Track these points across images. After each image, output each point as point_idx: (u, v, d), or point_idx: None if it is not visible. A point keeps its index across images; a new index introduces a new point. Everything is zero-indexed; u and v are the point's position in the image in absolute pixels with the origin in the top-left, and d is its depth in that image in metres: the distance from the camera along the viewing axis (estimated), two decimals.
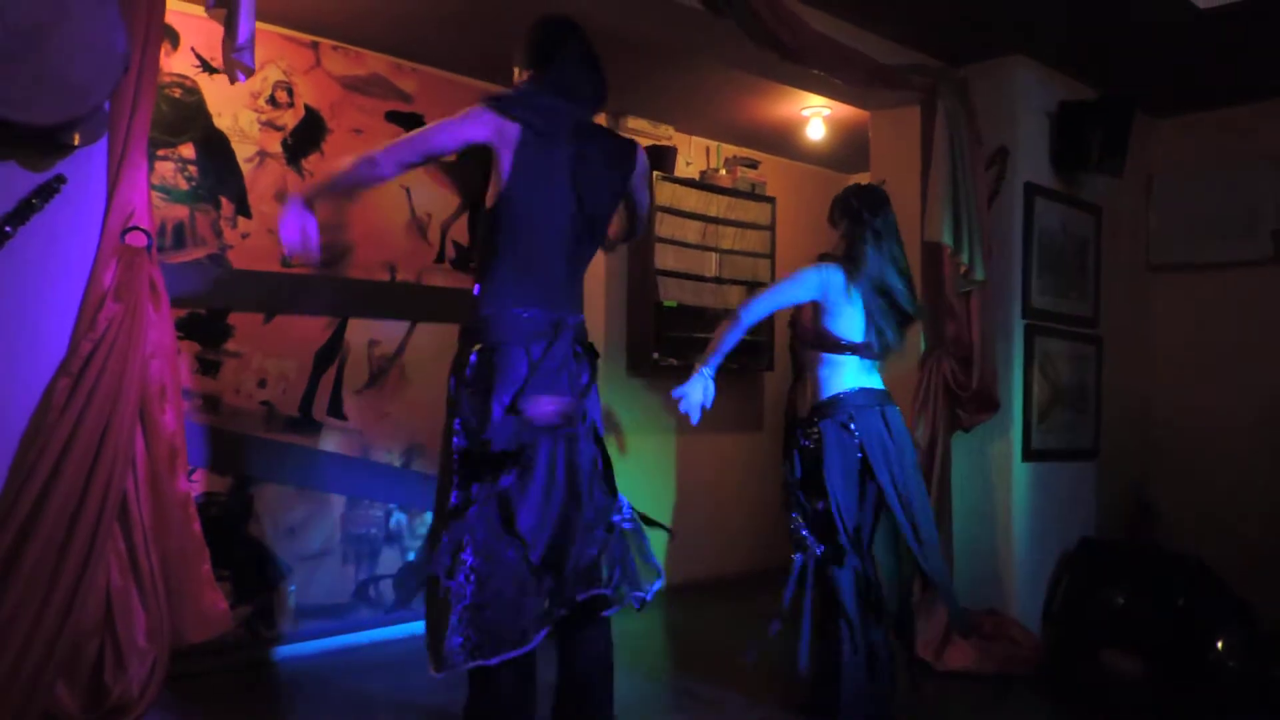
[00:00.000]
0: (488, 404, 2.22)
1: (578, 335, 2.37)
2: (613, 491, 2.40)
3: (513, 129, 2.24)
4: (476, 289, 2.33)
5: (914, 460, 3.26)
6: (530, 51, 2.38)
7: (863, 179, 4.52)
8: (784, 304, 3.31)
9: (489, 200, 2.30)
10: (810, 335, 3.28)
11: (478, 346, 2.27)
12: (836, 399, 3.18)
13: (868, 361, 3.22)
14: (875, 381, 3.24)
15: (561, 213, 2.32)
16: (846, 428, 3.14)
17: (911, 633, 3.39)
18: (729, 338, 3.15)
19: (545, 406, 2.23)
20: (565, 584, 2.23)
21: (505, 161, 2.24)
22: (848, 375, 3.19)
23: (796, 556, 3.17)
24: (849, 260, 3.17)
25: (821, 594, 3.17)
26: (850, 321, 3.17)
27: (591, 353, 2.43)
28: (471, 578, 2.17)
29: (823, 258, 3.24)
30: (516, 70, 2.44)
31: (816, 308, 3.21)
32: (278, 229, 2.31)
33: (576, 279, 2.43)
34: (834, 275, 3.16)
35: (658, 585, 2.42)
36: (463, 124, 2.25)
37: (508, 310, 2.27)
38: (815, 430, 3.18)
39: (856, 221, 3.19)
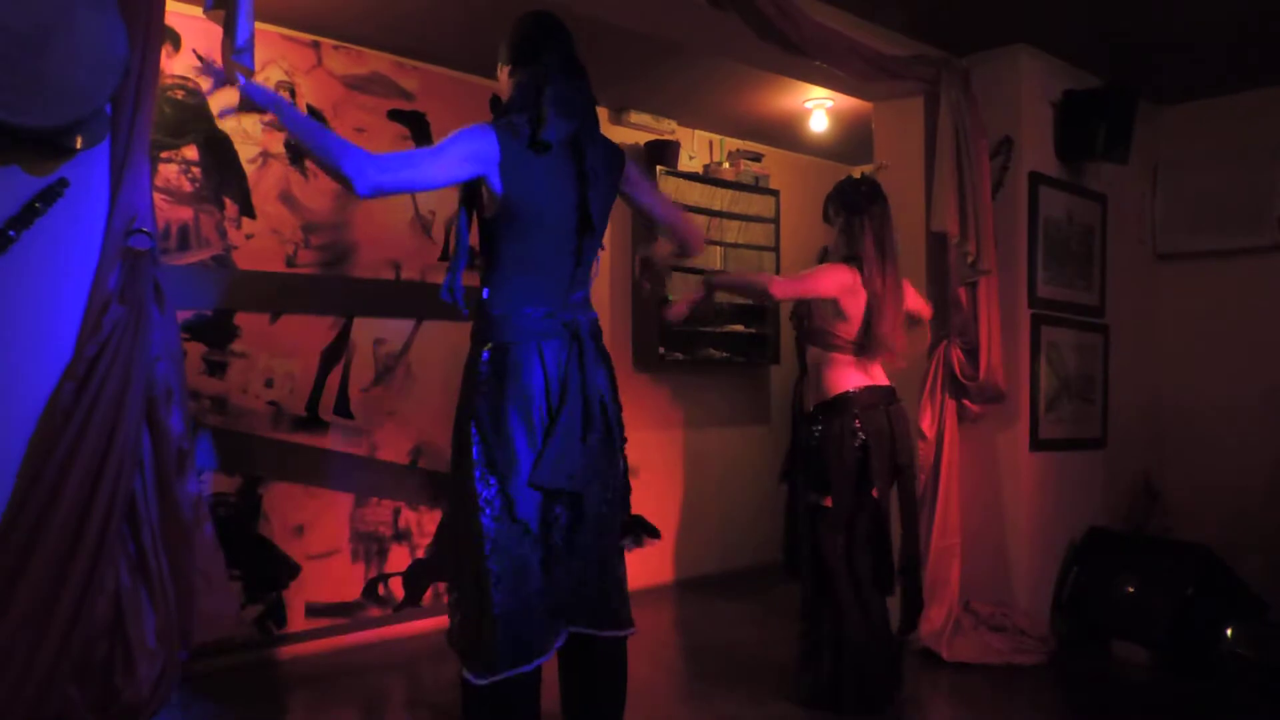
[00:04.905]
0: (500, 405, 2.21)
1: (592, 332, 2.37)
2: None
3: (493, 149, 2.20)
4: (485, 292, 2.32)
5: (913, 458, 3.29)
6: (514, 49, 2.35)
7: (866, 171, 4.50)
8: (815, 294, 3.24)
9: (487, 209, 2.27)
10: (815, 333, 3.28)
11: (489, 345, 2.27)
12: (845, 397, 3.18)
13: (870, 359, 3.22)
14: (880, 378, 3.25)
15: (563, 211, 2.30)
16: (851, 427, 3.14)
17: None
18: (745, 290, 3.48)
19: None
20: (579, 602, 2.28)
21: (495, 178, 2.21)
22: (853, 373, 3.21)
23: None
24: (854, 259, 3.18)
25: (816, 582, 3.22)
26: (856, 318, 3.18)
27: (602, 348, 2.43)
28: (499, 584, 2.17)
29: (827, 254, 3.26)
30: (500, 68, 2.40)
31: (834, 304, 3.20)
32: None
33: (584, 276, 2.41)
34: (854, 275, 3.18)
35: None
36: (455, 153, 2.19)
37: (518, 310, 2.27)
38: (819, 427, 3.19)
39: (854, 211, 3.19)
